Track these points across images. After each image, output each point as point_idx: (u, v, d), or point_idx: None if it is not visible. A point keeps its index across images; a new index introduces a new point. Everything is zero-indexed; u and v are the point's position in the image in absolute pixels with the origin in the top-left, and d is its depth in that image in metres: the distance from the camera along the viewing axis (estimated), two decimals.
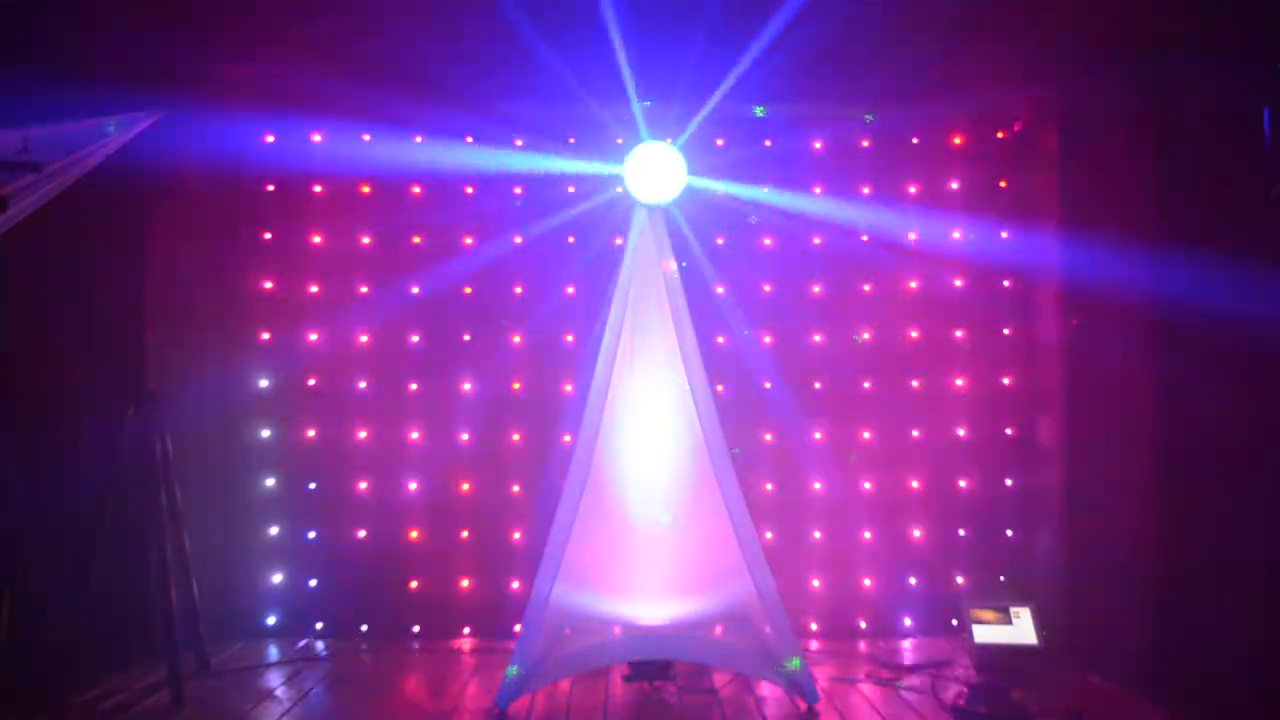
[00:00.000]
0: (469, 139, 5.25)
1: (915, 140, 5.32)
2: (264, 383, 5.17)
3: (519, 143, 5.25)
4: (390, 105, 5.10)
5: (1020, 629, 4.51)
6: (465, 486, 5.16)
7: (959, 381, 5.27)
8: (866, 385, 5.24)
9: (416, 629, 5.11)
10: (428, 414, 5.18)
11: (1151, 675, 4.06)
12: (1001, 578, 5.20)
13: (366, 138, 5.24)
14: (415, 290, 5.20)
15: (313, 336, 5.18)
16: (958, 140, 5.32)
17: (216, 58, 4.37)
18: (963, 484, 5.25)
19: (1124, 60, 4.22)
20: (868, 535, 5.20)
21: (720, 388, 4.96)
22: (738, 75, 4.73)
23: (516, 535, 5.13)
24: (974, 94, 5.05)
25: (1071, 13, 3.99)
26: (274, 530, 5.14)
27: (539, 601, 3.95)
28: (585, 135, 5.25)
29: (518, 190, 5.24)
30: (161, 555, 4.15)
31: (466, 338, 5.20)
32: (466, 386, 5.19)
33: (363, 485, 5.16)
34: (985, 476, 5.25)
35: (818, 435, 5.22)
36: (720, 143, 5.27)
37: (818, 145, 5.30)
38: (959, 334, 5.28)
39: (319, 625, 5.13)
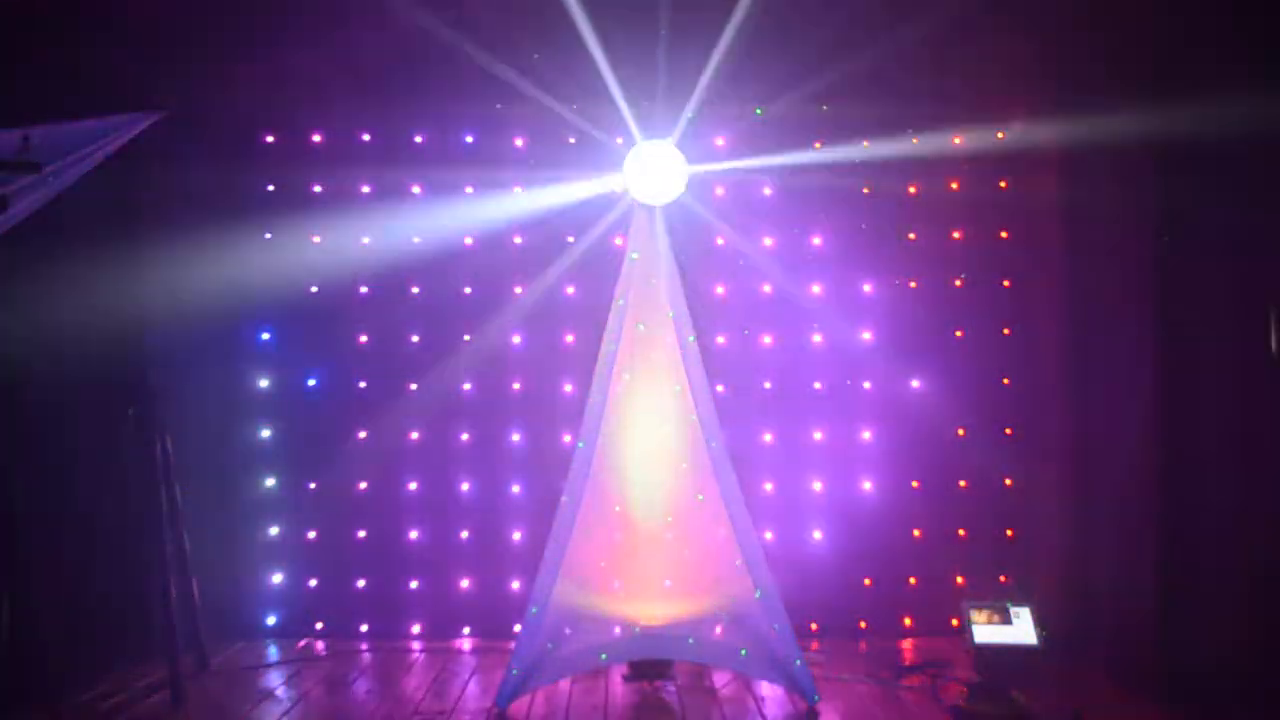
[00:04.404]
0: (469, 139, 5.25)
1: (915, 140, 5.32)
2: (264, 383, 5.17)
3: (519, 143, 5.25)
4: (391, 105, 5.11)
5: (1020, 629, 4.50)
6: (465, 486, 5.16)
7: (958, 381, 5.27)
8: (867, 385, 5.24)
9: (416, 629, 5.11)
10: (428, 414, 5.17)
11: (1152, 675, 4.06)
12: (1002, 578, 5.20)
13: (366, 137, 5.24)
14: (415, 290, 5.20)
15: (313, 337, 5.18)
16: (958, 141, 5.32)
17: (216, 57, 4.37)
18: (963, 484, 5.25)
19: (1125, 60, 4.22)
20: (867, 535, 5.20)
21: (720, 387, 4.96)
22: (738, 75, 4.73)
23: (516, 535, 5.13)
24: (974, 94, 5.05)
25: (1072, 12, 3.99)
26: (274, 530, 5.14)
27: (539, 601, 3.96)
28: (585, 135, 5.25)
29: (517, 189, 5.24)
30: (161, 555, 4.15)
31: (467, 338, 5.20)
32: (466, 386, 5.19)
33: (363, 485, 5.15)
34: (985, 476, 5.25)
35: (818, 435, 5.22)
36: (720, 142, 5.27)
37: (818, 145, 5.29)
38: (959, 333, 5.28)
39: (319, 625, 5.12)
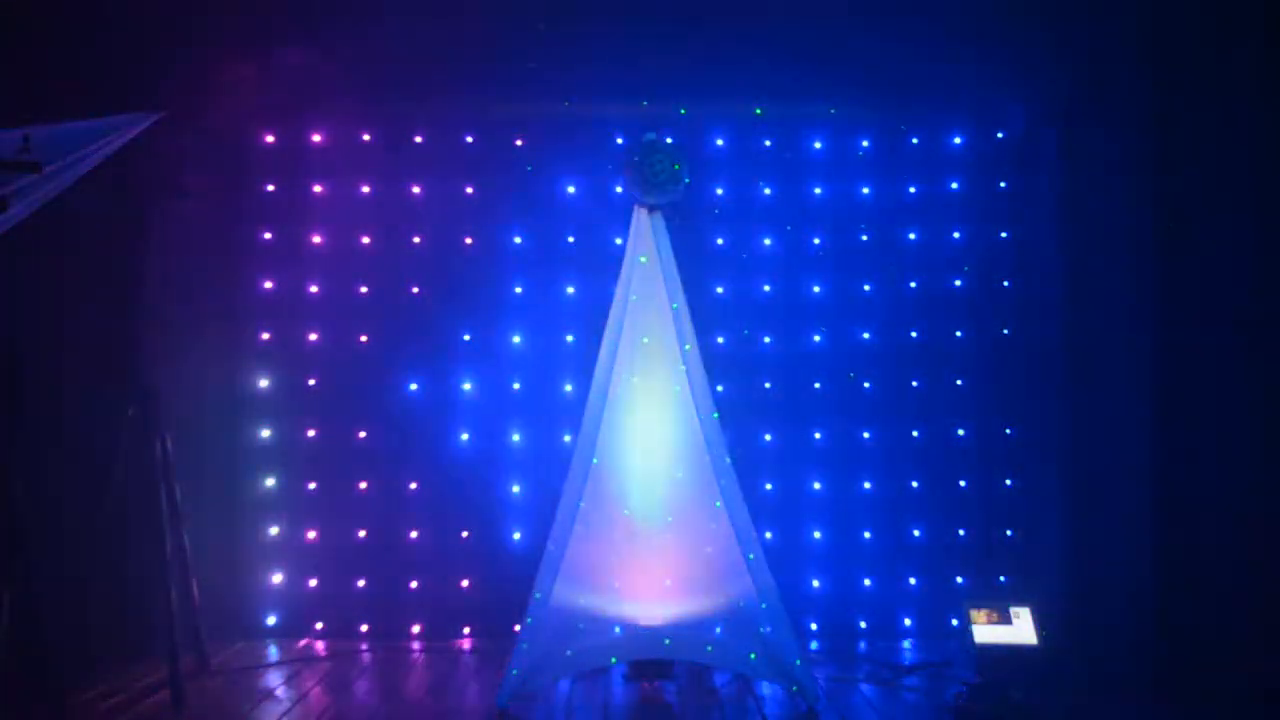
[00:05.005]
0: (469, 139, 5.25)
1: (915, 140, 5.32)
2: (264, 383, 5.17)
3: (519, 142, 5.25)
4: (391, 105, 5.11)
5: (1020, 629, 4.51)
6: (465, 486, 5.16)
7: (959, 381, 5.27)
8: (867, 385, 5.24)
9: (416, 629, 5.11)
10: (427, 414, 5.17)
11: (1152, 675, 4.06)
12: (1002, 578, 5.20)
13: (366, 137, 5.24)
14: (416, 290, 5.20)
15: (313, 336, 5.18)
16: (958, 140, 5.32)
17: (216, 57, 4.37)
18: (963, 484, 5.25)
19: (1125, 60, 4.22)
20: (868, 535, 5.20)
21: (720, 387, 4.96)
22: (737, 74, 4.73)
23: (516, 535, 5.13)
24: (974, 94, 5.06)
25: (1073, 13, 3.99)
26: (274, 530, 5.14)
27: (539, 601, 3.96)
28: (585, 135, 5.25)
29: (518, 190, 5.24)
30: (161, 555, 4.14)
31: (466, 338, 5.19)
32: (466, 386, 5.19)
33: (363, 485, 5.15)
34: (985, 476, 5.25)
35: (818, 435, 5.22)
36: (720, 142, 5.27)
37: (817, 145, 5.30)
38: (959, 334, 5.28)
39: (319, 625, 5.12)
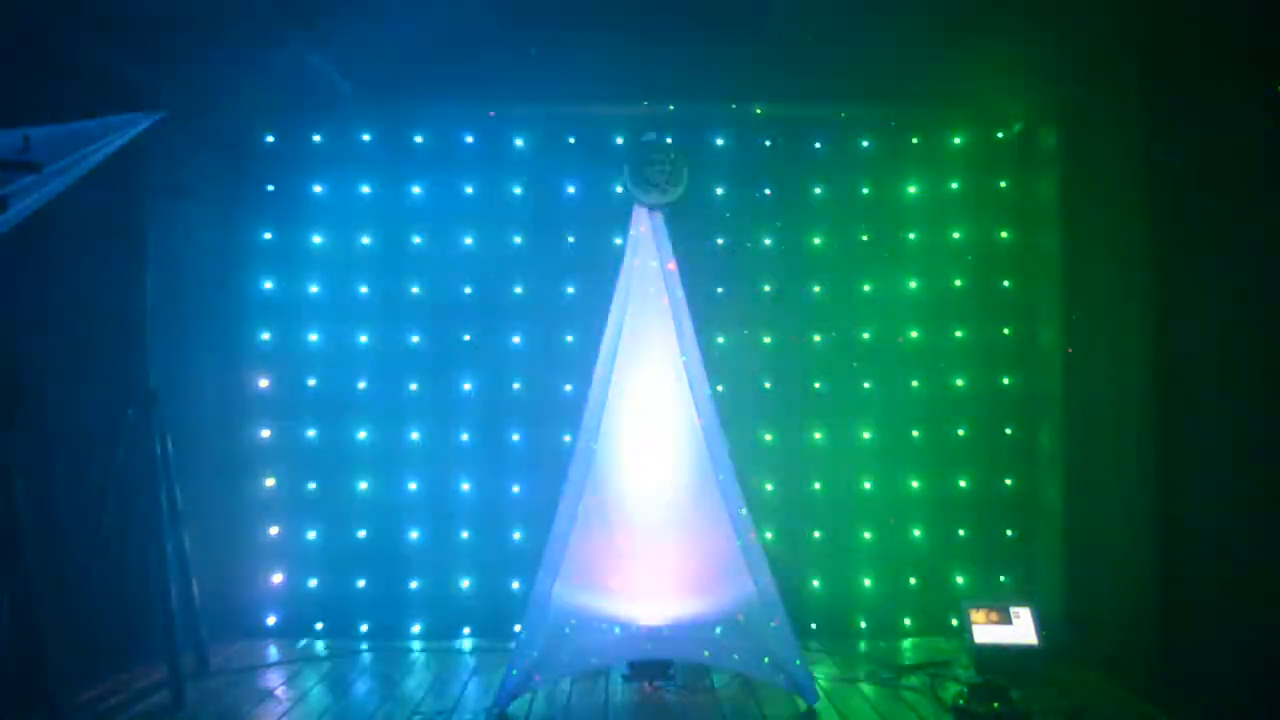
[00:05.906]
0: (469, 139, 5.25)
1: (915, 140, 5.32)
2: (264, 383, 5.17)
3: (519, 143, 5.25)
4: (390, 105, 5.11)
5: (1020, 629, 4.51)
6: (465, 486, 5.16)
7: (959, 381, 5.27)
8: (866, 385, 5.24)
9: (416, 629, 5.11)
10: (428, 414, 5.18)
11: (1152, 675, 4.06)
12: (1002, 578, 5.20)
13: (366, 137, 5.24)
14: (415, 290, 5.20)
15: (313, 336, 5.18)
16: (958, 140, 5.32)
17: (216, 57, 4.37)
18: (963, 484, 5.25)
19: (1124, 60, 4.22)
20: (868, 535, 5.20)
21: (720, 387, 4.95)
22: (737, 74, 4.73)
23: (516, 535, 5.13)
24: (974, 94, 5.05)
25: (1073, 14, 3.99)
26: (274, 530, 5.14)
27: (539, 601, 3.96)
28: (585, 135, 5.25)
29: (517, 190, 5.24)
30: (161, 555, 4.14)
31: (467, 338, 5.19)
32: (466, 386, 5.19)
33: (363, 485, 5.15)
34: (985, 476, 5.25)
35: (818, 435, 5.22)
36: (720, 142, 5.27)
37: (818, 145, 5.30)
38: (959, 334, 5.28)
39: (319, 625, 5.12)
